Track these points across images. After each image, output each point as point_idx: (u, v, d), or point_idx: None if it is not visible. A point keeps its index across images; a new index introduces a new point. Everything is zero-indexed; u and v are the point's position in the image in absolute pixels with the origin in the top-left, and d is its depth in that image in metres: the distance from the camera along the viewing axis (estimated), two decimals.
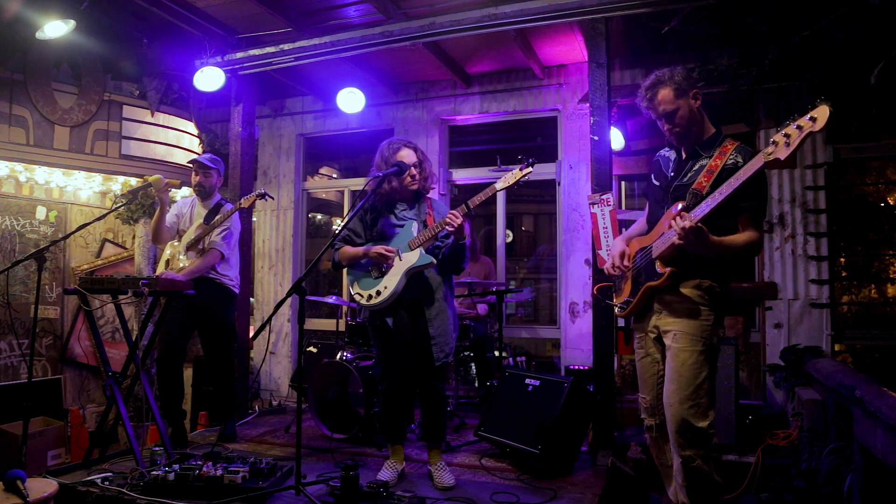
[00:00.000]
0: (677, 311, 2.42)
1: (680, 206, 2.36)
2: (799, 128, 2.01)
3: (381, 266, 3.20)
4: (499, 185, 3.01)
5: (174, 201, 4.38)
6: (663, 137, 2.64)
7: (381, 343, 3.28)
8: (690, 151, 2.51)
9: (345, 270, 3.36)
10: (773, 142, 2.08)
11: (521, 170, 2.97)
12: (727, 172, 2.31)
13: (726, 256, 2.32)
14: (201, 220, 4.09)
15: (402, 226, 3.25)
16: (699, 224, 2.17)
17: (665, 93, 2.42)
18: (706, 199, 2.26)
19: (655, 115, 2.50)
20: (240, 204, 3.93)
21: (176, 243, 4.13)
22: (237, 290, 4.23)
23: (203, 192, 4.15)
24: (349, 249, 3.27)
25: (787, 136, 2.03)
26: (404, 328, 3.23)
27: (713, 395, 2.39)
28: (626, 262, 2.61)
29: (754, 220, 2.33)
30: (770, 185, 4.80)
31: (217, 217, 4.01)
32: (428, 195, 3.40)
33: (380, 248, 3.16)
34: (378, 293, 3.17)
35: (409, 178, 3.23)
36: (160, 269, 4.18)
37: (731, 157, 2.37)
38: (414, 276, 3.16)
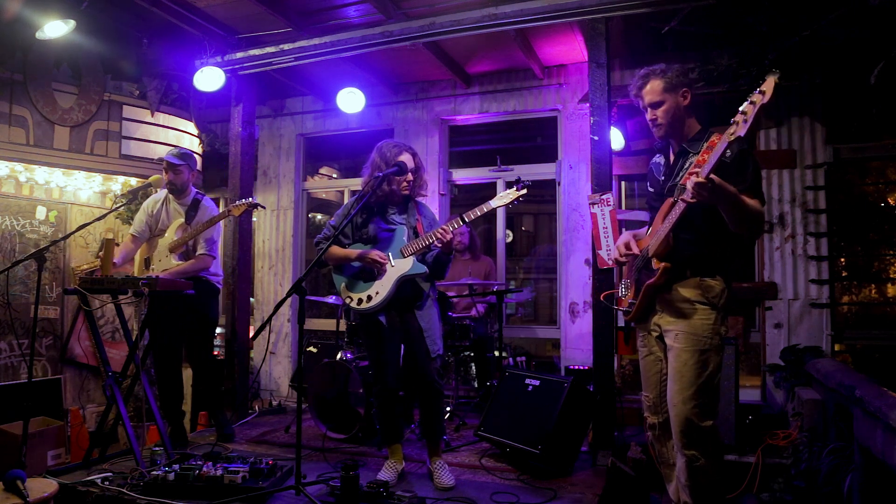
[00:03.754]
0: (677, 310, 2.42)
1: (670, 201, 2.41)
2: (752, 103, 2.12)
3: (372, 271, 3.21)
4: (494, 203, 3.06)
5: (150, 194, 4.32)
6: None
7: (375, 344, 3.29)
8: (679, 150, 2.54)
9: (333, 274, 3.36)
10: (734, 122, 2.16)
11: (517, 190, 3.03)
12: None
13: (739, 216, 2.26)
14: (182, 220, 4.06)
15: (392, 230, 3.26)
16: (710, 177, 2.15)
17: (654, 84, 2.47)
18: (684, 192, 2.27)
19: (642, 105, 2.54)
20: (229, 210, 3.88)
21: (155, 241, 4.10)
22: (220, 287, 4.24)
23: (176, 190, 4.10)
24: (337, 250, 3.27)
25: (744, 113, 2.14)
26: (396, 327, 3.26)
27: (716, 393, 2.40)
28: (633, 250, 2.58)
29: (754, 194, 2.32)
30: (770, 185, 4.81)
31: (205, 221, 3.96)
32: (416, 198, 3.42)
33: (374, 255, 3.18)
34: (370, 298, 3.19)
35: (404, 183, 3.26)
36: (138, 270, 4.13)
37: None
38: (407, 280, 3.19)
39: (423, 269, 3.17)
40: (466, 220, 3.07)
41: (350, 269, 3.29)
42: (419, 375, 3.28)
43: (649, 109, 2.52)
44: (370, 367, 3.43)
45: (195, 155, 4.19)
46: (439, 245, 3.07)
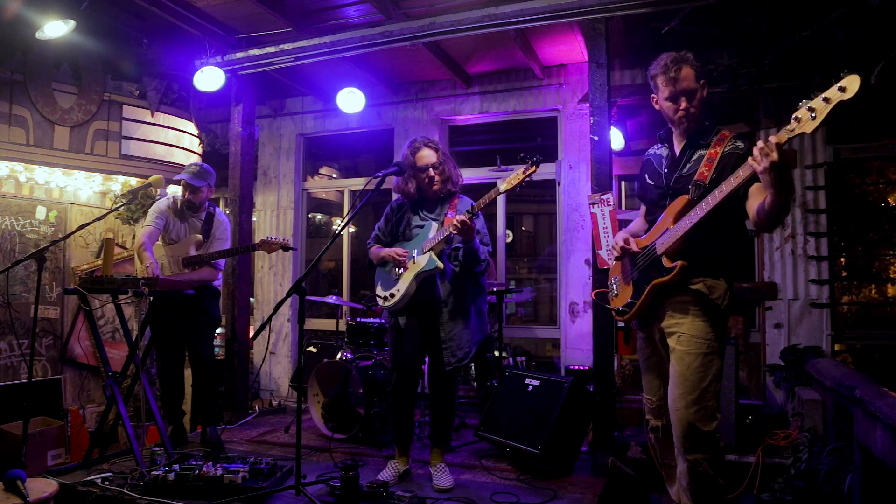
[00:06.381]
0: (682, 311, 2.37)
1: (685, 198, 2.33)
2: (826, 100, 1.85)
3: (398, 268, 3.22)
4: (502, 188, 2.94)
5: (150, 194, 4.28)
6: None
7: (393, 343, 3.31)
8: (687, 142, 2.46)
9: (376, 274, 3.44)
10: (796, 118, 1.92)
11: (524, 170, 2.85)
12: (727, 158, 2.28)
13: (785, 201, 2.08)
14: (198, 236, 4.07)
15: (422, 226, 3.26)
16: (784, 143, 1.97)
17: (689, 71, 2.38)
18: (728, 178, 2.14)
19: (671, 92, 2.39)
20: (258, 245, 3.92)
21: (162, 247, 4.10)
22: (220, 289, 4.26)
23: (193, 208, 4.10)
24: (375, 250, 3.36)
25: (812, 110, 1.88)
26: (413, 330, 3.24)
27: (719, 397, 2.35)
28: (632, 247, 2.50)
29: None
30: None
31: (227, 249, 4.06)
32: (457, 195, 3.33)
33: (391, 252, 3.21)
34: (392, 295, 3.21)
35: (426, 179, 3.22)
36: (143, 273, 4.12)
37: (730, 143, 2.33)
38: (428, 279, 3.16)
39: (436, 264, 3.08)
40: (476, 208, 3.04)
41: (384, 268, 3.34)
42: (432, 385, 3.32)
43: (685, 98, 2.38)
44: (388, 364, 3.45)
45: (212, 170, 4.16)
46: (455, 231, 2.99)
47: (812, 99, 1.89)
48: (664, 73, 2.40)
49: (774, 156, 1.95)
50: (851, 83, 1.82)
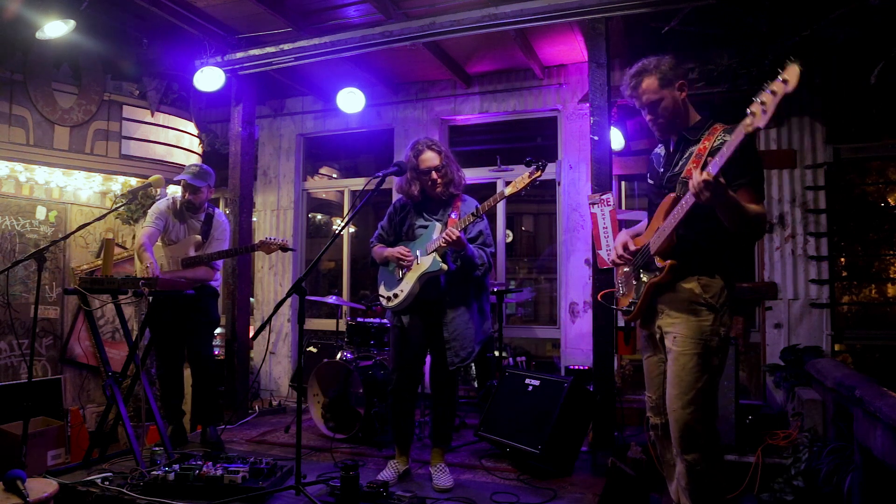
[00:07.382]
0: (678, 309, 2.36)
1: (672, 196, 2.33)
2: (773, 92, 1.93)
3: (402, 268, 3.22)
4: (507, 191, 2.98)
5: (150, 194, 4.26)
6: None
7: (396, 343, 3.30)
8: (678, 140, 2.45)
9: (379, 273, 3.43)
10: (751, 112, 1.99)
11: (530, 174, 2.86)
12: (715, 153, 2.25)
13: (738, 220, 2.18)
14: (197, 236, 4.08)
15: (426, 227, 3.26)
16: (715, 177, 2.05)
17: (649, 82, 2.36)
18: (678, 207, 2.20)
19: (638, 105, 2.44)
20: (257, 246, 3.92)
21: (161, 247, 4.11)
22: (219, 290, 4.27)
23: (193, 208, 4.11)
24: (378, 249, 3.35)
25: (762, 103, 1.96)
26: (416, 330, 3.24)
27: (715, 396, 2.34)
28: (628, 254, 2.53)
29: (755, 194, 2.24)
30: (770, 185, 4.81)
31: (225, 250, 4.07)
32: (460, 196, 3.33)
33: (395, 252, 3.20)
34: (395, 296, 3.21)
35: (429, 182, 3.22)
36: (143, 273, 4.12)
37: (719, 137, 2.31)
38: (432, 279, 3.16)
39: (440, 266, 3.08)
40: (481, 211, 3.07)
41: (387, 267, 3.34)
42: (434, 384, 3.32)
43: (647, 110, 2.42)
44: (389, 364, 3.45)
45: (212, 171, 4.16)
46: (444, 244, 3.03)
47: (763, 92, 1.96)
48: (627, 91, 2.44)
49: (705, 194, 2.06)
50: (792, 74, 1.89)
